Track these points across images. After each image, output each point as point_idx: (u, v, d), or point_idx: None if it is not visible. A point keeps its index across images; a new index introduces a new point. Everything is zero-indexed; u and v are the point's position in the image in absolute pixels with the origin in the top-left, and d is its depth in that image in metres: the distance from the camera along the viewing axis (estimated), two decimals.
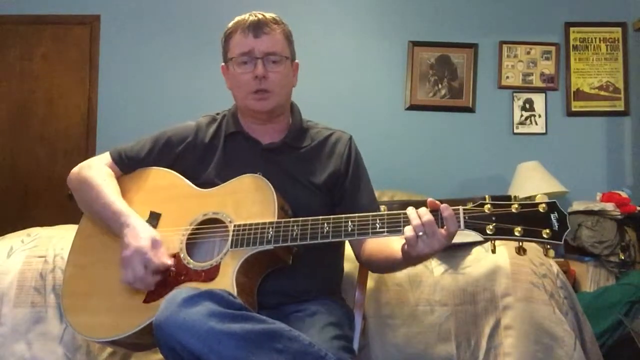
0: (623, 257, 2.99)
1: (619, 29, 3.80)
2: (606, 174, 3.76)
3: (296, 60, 1.53)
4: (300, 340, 1.12)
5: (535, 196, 3.29)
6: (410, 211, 1.17)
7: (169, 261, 1.30)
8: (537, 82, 3.82)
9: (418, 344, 1.58)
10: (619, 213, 3.15)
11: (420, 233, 1.15)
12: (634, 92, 3.77)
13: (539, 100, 3.80)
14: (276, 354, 1.07)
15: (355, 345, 1.44)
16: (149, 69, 3.88)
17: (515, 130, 3.80)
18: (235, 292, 1.20)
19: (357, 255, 1.50)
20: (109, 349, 1.58)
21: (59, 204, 3.75)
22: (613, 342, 2.37)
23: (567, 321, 1.62)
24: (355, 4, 3.91)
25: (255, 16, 1.44)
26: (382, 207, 1.61)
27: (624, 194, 3.31)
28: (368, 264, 1.48)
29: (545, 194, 3.31)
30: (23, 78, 3.92)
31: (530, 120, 3.80)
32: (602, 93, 3.80)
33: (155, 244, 1.29)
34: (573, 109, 3.79)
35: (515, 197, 1.19)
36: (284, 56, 1.45)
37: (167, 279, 1.30)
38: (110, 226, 1.38)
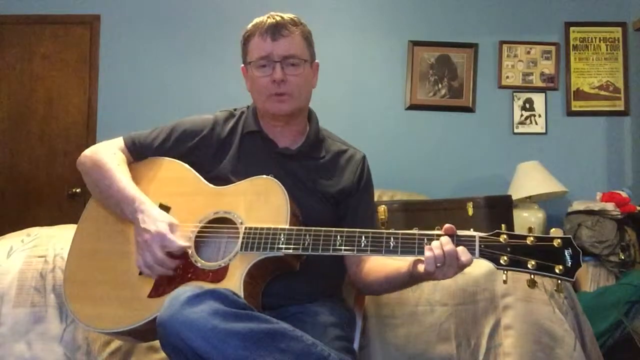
0: (623, 257, 2.99)
1: (619, 29, 3.80)
2: (606, 174, 3.76)
3: (316, 61, 1.51)
4: (304, 340, 1.12)
5: (534, 197, 3.29)
6: (434, 243, 1.17)
7: (187, 244, 1.30)
8: (537, 81, 3.82)
9: (418, 344, 1.58)
10: (619, 213, 3.15)
11: (439, 264, 1.15)
12: (634, 92, 3.77)
13: (539, 100, 3.80)
14: (279, 353, 1.07)
15: (356, 345, 1.44)
16: (149, 69, 3.88)
17: (515, 130, 3.80)
18: (242, 295, 1.19)
19: (352, 274, 1.47)
20: (108, 349, 1.58)
21: (59, 204, 3.76)
22: (613, 342, 2.37)
23: (567, 321, 1.62)
24: (356, 4, 3.91)
25: (274, 18, 1.42)
26: (382, 207, 1.61)
27: (624, 194, 3.31)
28: (363, 284, 1.45)
29: (545, 193, 3.32)
30: (23, 78, 3.92)
31: (530, 120, 3.80)
32: (602, 93, 3.80)
33: (172, 228, 1.29)
34: (573, 109, 3.79)
35: (530, 228, 1.19)
36: (302, 59, 1.43)
37: (173, 275, 1.30)
38: (122, 210, 1.36)
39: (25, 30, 3.92)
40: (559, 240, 1.12)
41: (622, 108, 3.78)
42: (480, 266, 1.68)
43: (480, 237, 1.16)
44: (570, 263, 1.10)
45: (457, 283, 1.65)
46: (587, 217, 3.15)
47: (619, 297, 2.48)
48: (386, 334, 1.59)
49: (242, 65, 1.50)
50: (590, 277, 3.01)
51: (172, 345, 1.08)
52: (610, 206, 3.18)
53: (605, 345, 2.34)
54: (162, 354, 1.14)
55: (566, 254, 1.11)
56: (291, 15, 1.45)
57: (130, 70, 3.88)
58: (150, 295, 1.29)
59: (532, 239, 1.13)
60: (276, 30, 1.40)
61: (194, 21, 3.89)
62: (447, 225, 1.18)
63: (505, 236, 1.15)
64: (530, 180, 3.37)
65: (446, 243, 1.15)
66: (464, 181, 3.75)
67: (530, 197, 3.34)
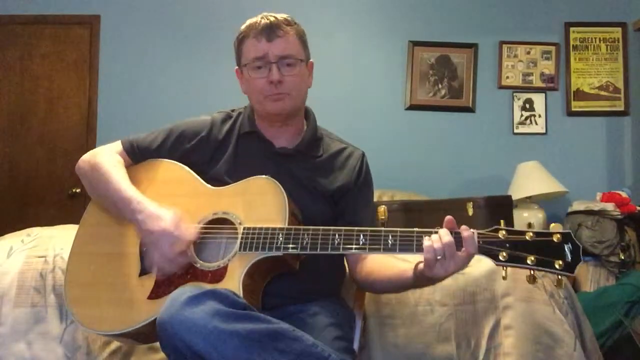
0: (623, 257, 2.99)
1: (619, 29, 3.80)
2: (606, 174, 3.76)
3: (311, 60, 1.50)
4: (304, 341, 1.12)
5: (534, 197, 3.29)
6: (433, 235, 1.16)
7: (195, 234, 1.30)
8: (537, 82, 3.82)
9: (418, 344, 1.58)
10: (619, 213, 3.15)
11: (439, 257, 1.14)
12: (634, 92, 3.77)
13: (539, 100, 3.80)
14: (279, 354, 1.07)
15: (356, 345, 1.44)
16: (149, 69, 3.88)
17: (515, 130, 3.80)
18: (241, 295, 1.19)
19: (352, 272, 1.47)
20: (108, 349, 1.58)
21: (59, 204, 3.76)
22: (613, 342, 2.37)
23: (567, 321, 1.62)
24: (355, 4, 3.91)
25: (268, 19, 1.40)
26: (382, 207, 1.61)
27: (624, 194, 3.31)
28: (364, 283, 1.45)
29: (545, 193, 3.32)
30: (23, 78, 3.92)
31: (530, 120, 3.80)
32: (602, 93, 3.80)
33: (177, 222, 1.29)
34: (573, 109, 3.79)
35: (530, 224, 1.18)
36: (298, 59, 1.42)
37: (172, 277, 1.30)
38: (120, 212, 1.36)
39: (25, 30, 3.91)
40: (558, 235, 1.12)
41: (622, 108, 3.78)
42: (480, 266, 1.68)
43: (478, 233, 1.15)
44: (570, 258, 1.10)
45: (457, 283, 1.65)
46: (587, 217, 3.15)
47: (619, 297, 2.48)
48: (386, 334, 1.60)
49: (236, 67, 1.49)
50: (590, 277, 3.01)
51: (172, 345, 1.07)
52: (610, 206, 3.18)
53: (605, 345, 2.34)
54: (162, 354, 1.14)
55: (566, 248, 1.10)
56: (284, 15, 1.44)
57: (130, 70, 3.88)
58: (150, 297, 1.29)
59: (531, 234, 1.13)
60: (271, 30, 1.39)
61: (193, 21, 3.88)
62: (447, 217, 1.17)
63: (504, 232, 1.14)
64: (530, 180, 3.37)
65: (445, 235, 1.15)
66: (464, 181, 3.75)
67: (530, 197, 3.34)
